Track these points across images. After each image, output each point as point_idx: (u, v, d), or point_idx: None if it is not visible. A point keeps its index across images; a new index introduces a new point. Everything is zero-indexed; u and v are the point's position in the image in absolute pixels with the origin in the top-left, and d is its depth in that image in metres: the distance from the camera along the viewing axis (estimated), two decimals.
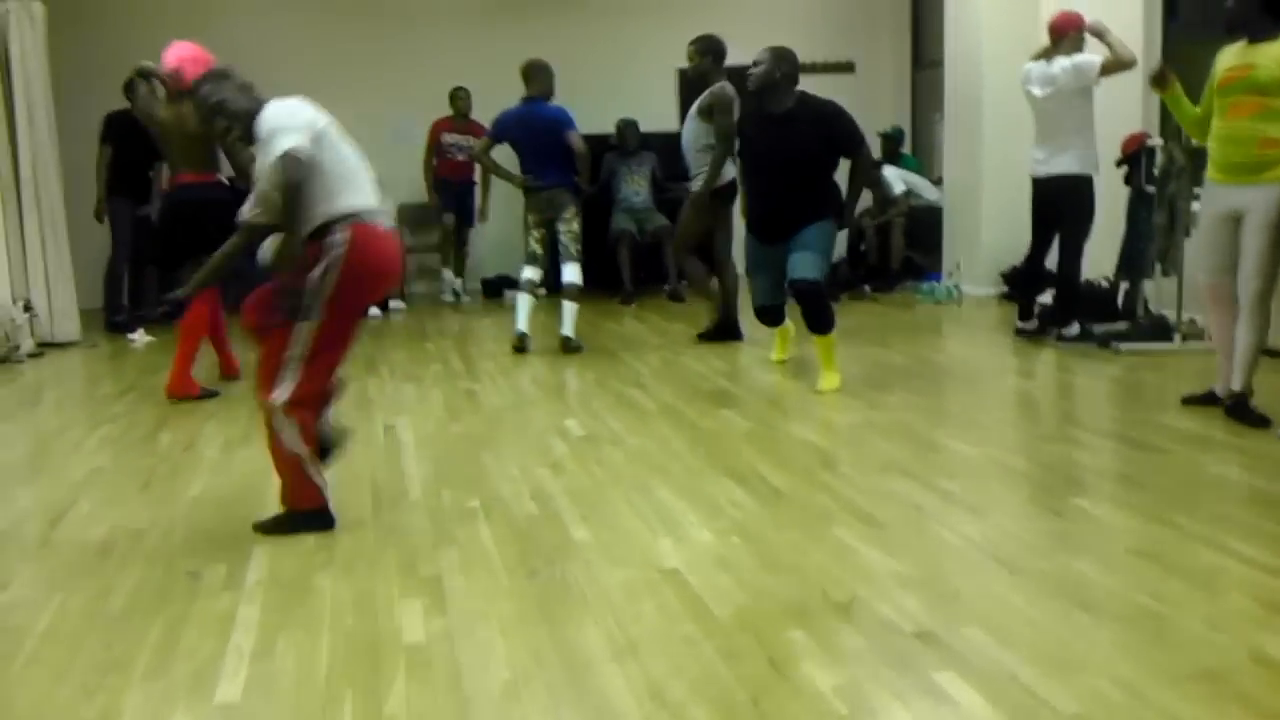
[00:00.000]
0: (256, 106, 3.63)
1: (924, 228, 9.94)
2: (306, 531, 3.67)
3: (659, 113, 10.28)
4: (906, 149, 10.94)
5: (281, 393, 3.58)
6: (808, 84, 6.01)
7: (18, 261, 7.86)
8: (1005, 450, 4.55)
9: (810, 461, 4.41)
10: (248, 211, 3.56)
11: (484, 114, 9.41)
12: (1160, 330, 6.65)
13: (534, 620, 2.93)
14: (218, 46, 5.57)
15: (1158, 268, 6.71)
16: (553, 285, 7.73)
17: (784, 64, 5.75)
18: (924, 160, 10.95)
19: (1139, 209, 6.90)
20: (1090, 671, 2.53)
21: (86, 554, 3.59)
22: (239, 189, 4.68)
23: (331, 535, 3.68)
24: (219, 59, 5.06)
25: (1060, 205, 6.73)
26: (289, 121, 3.54)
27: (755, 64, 5.79)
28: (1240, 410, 4.77)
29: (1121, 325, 6.89)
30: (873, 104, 10.66)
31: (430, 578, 3.27)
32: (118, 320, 8.60)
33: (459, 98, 9.86)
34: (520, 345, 7.18)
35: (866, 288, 9.70)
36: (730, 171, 7.08)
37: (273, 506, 3.81)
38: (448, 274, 9.99)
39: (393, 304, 9.73)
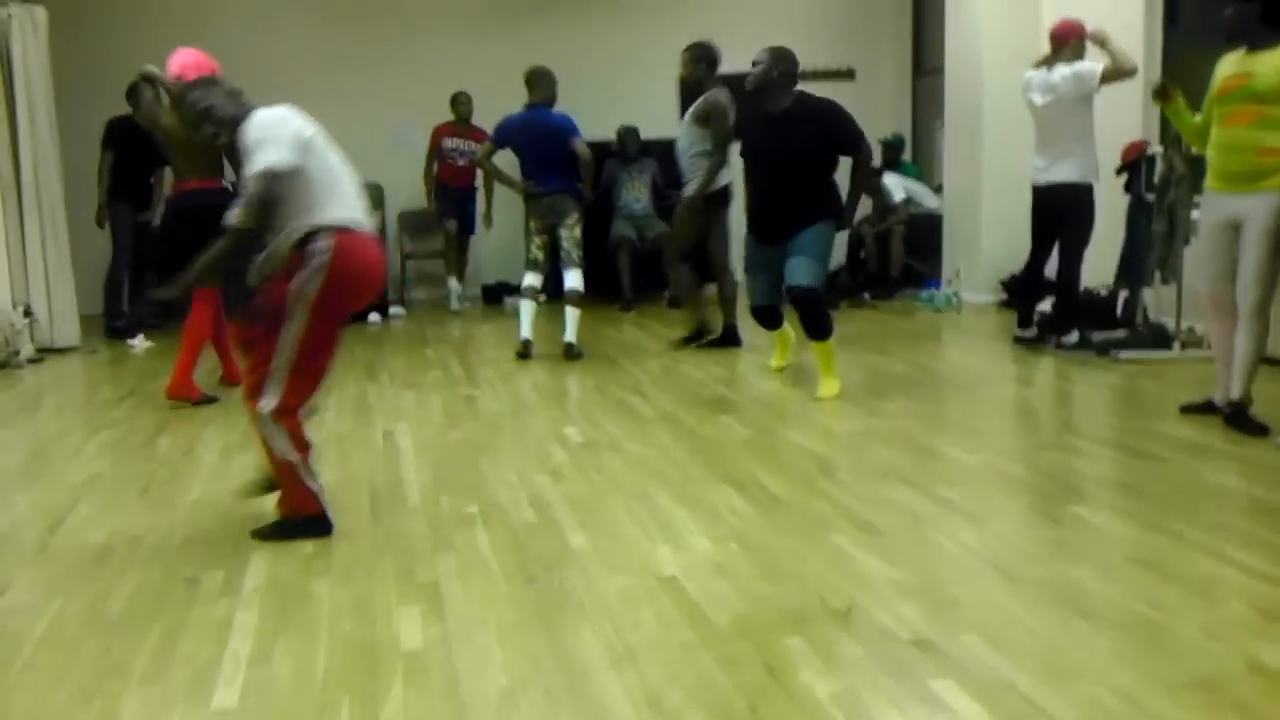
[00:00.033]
0: (244, 113, 3.65)
1: (924, 235, 9.95)
2: (304, 538, 3.68)
3: (660, 119, 10.29)
4: (907, 156, 10.95)
5: (268, 401, 3.60)
6: (808, 90, 6.01)
7: (18, 266, 7.87)
8: (1004, 458, 4.55)
9: (809, 469, 4.41)
10: (233, 216, 3.58)
11: (484, 120, 9.44)
12: (1159, 338, 6.66)
13: (532, 627, 2.93)
14: (219, 52, 5.57)
15: (1157, 276, 6.72)
16: (553, 291, 7.74)
17: (782, 63, 5.77)
18: (924, 167, 10.96)
19: (1139, 217, 6.90)
20: (1088, 680, 2.52)
21: (85, 559, 3.60)
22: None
23: (329, 541, 3.68)
24: (221, 65, 5.07)
25: (1060, 213, 6.74)
26: (273, 133, 3.55)
27: (755, 64, 5.81)
28: (1239, 419, 4.77)
29: (1121, 333, 6.89)
30: (873, 111, 10.66)
31: (428, 584, 3.27)
32: (118, 326, 8.60)
33: (460, 103, 9.87)
34: (525, 352, 7.19)
35: (866, 295, 9.71)
36: (724, 178, 7.13)
37: (270, 513, 3.81)
38: (454, 283, 9.98)
39: (392, 310, 9.74)
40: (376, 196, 10.48)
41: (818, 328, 5.75)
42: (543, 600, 3.12)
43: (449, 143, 9.86)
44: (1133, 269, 6.99)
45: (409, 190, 10.14)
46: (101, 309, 8.79)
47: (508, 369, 6.90)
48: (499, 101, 8.25)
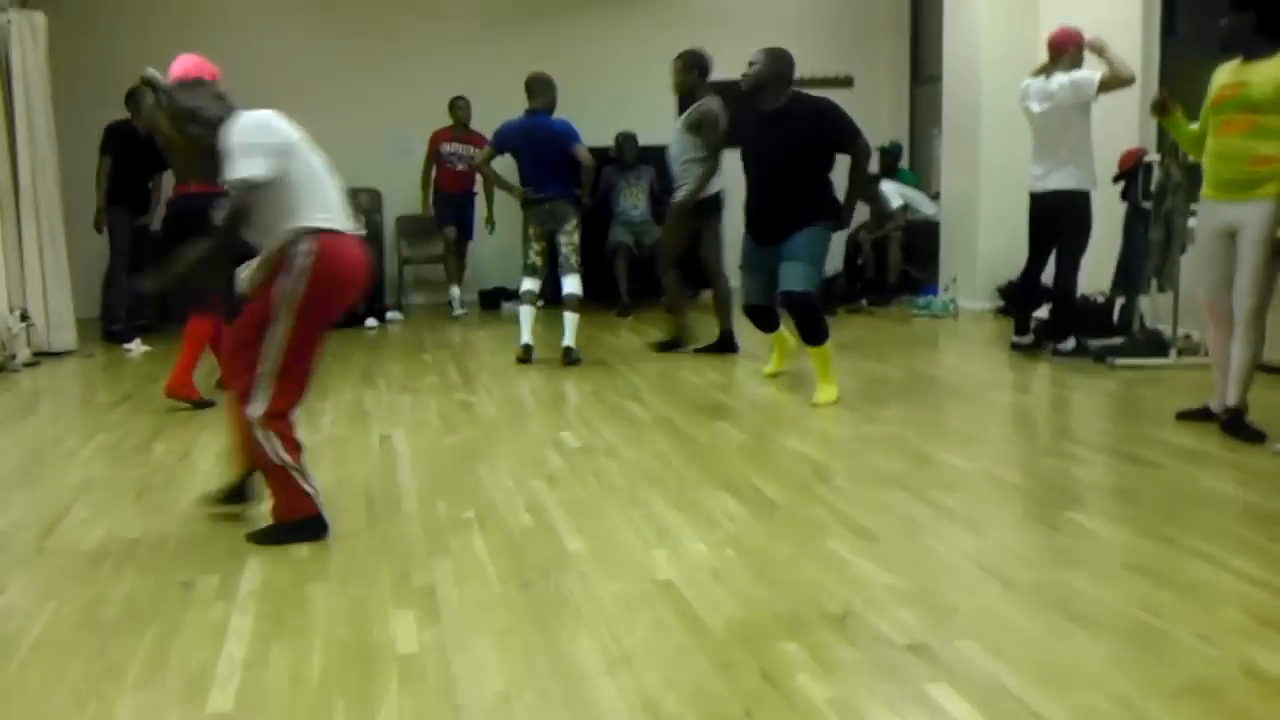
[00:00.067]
0: (228, 114, 3.65)
1: (921, 242, 9.96)
2: (299, 540, 3.67)
3: (658, 126, 10.27)
4: (904, 163, 10.97)
5: (257, 407, 3.60)
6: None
7: (15, 270, 7.86)
8: (1000, 464, 4.55)
9: (805, 474, 4.41)
10: (218, 218, 3.58)
11: (483, 126, 9.46)
12: (1156, 345, 6.66)
13: (527, 631, 2.93)
14: (218, 58, 5.56)
15: (1154, 283, 6.72)
16: (551, 297, 7.74)
17: (777, 63, 5.79)
18: (922, 175, 10.98)
19: (1136, 224, 6.91)
20: (1083, 685, 2.52)
21: (80, 562, 3.59)
22: None
23: (325, 545, 3.68)
24: (221, 71, 5.07)
25: (1057, 220, 6.75)
26: (254, 138, 3.54)
27: (751, 64, 5.84)
28: (1236, 425, 4.78)
29: (1117, 340, 6.90)
30: (871, 118, 10.62)
31: (424, 588, 3.26)
32: (114, 330, 8.60)
33: (458, 107, 9.88)
34: (526, 357, 7.20)
35: (863, 301, 9.72)
36: (716, 185, 7.17)
37: (266, 517, 3.81)
38: (455, 290, 9.97)
39: (389, 315, 9.74)
40: (375, 201, 10.50)
41: (813, 332, 5.75)
42: (539, 605, 3.12)
43: (447, 147, 9.87)
44: (1129, 276, 7.00)
45: (407, 195, 10.15)
46: (98, 313, 8.79)
47: (505, 374, 6.90)
48: (497, 108, 8.26)
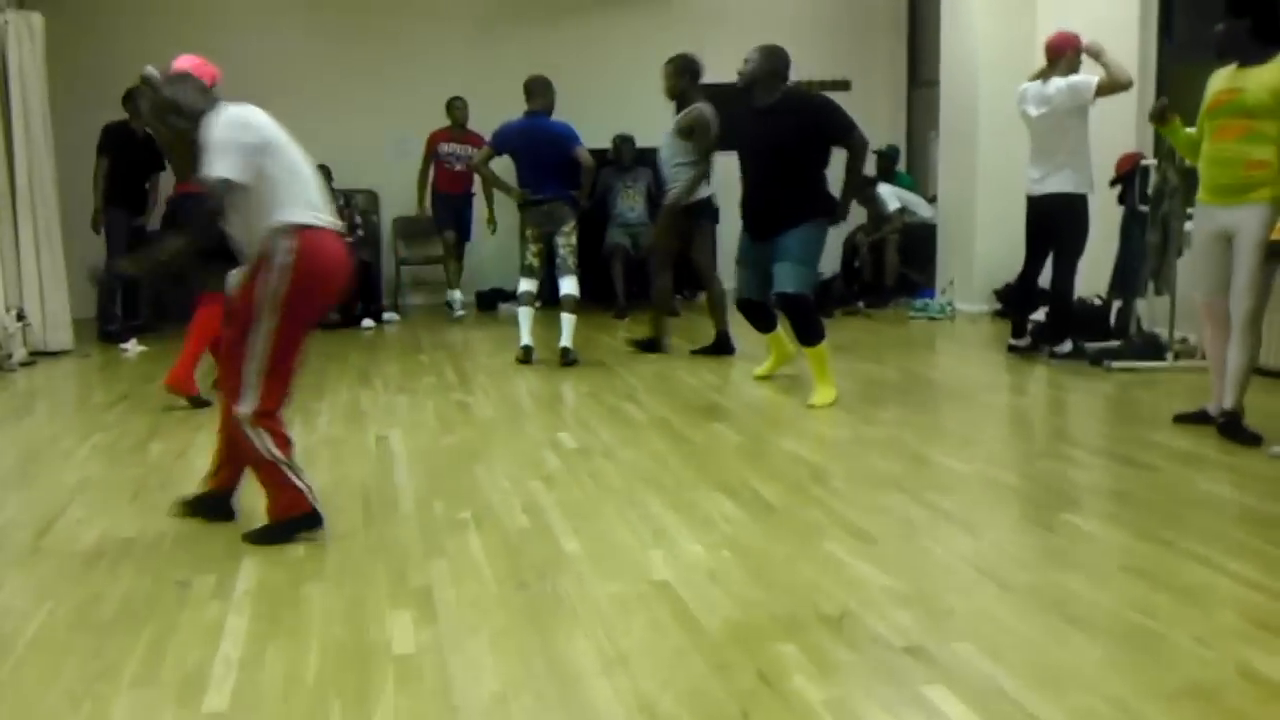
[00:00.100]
0: (212, 107, 3.65)
1: (918, 244, 9.97)
2: (296, 536, 3.68)
3: (655, 129, 10.24)
4: (901, 167, 10.98)
5: (246, 406, 3.61)
6: None
7: (11, 270, 7.86)
8: (997, 466, 4.56)
9: (802, 476, 4.41)
10: (196, 214, 3.60)
11: (479, 128, 9.46)
12: (1153, 348, 6.67)
13: (524, 632, 2.93)
14: (216, 60, 5.48)
15: (1150, 286, 6.73)
16: (548, 298, 7.75)
17: (771, 60, 5.81)
18: (919, 178, 10.99)
19: (1132, 228, 6.92)
20: (1080, 687, 2.52)
21: (76, 562, 3.58)
22: None
23: (321, 545, 3.67)
24: (221, 73, 5.06)
25: (1054, 223, 6.76)
26: (231, 136, 3.54)
27: (746, 61, 5.86)
28: (1232, 428, 4.78)
29: (1114, 343, 6.91)
30: (869, 122, 10.57)
31: (420, 589, 3.26)
32: (111, 330, 8.59)
33: (456, 108, 9.88)
34: (526, 358, 7.21)
35: (860, 304, 9.73)
36: (706, 189, 7.20)
37: (262, 516, 3.81)
38: (456, 293, 9.95)
39: (387, 315, 9.73)
40: (372, 202, 10.50)
41: (808, 333, 5.75)
42: (535, 605, 3.11)
43: (445, 147, 9.86)
44: (1126, 279, 7.01)
45: (404, 196, 10.13)
46: (95, 313, 8.78)
47: (502, 375, 6.90)
48: (495, 109, 8.26)
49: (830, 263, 10.05)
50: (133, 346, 8.12)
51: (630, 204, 9.92)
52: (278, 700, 2.58)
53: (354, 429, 5.47)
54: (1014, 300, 7.46)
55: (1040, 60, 6.93)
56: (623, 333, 8.19)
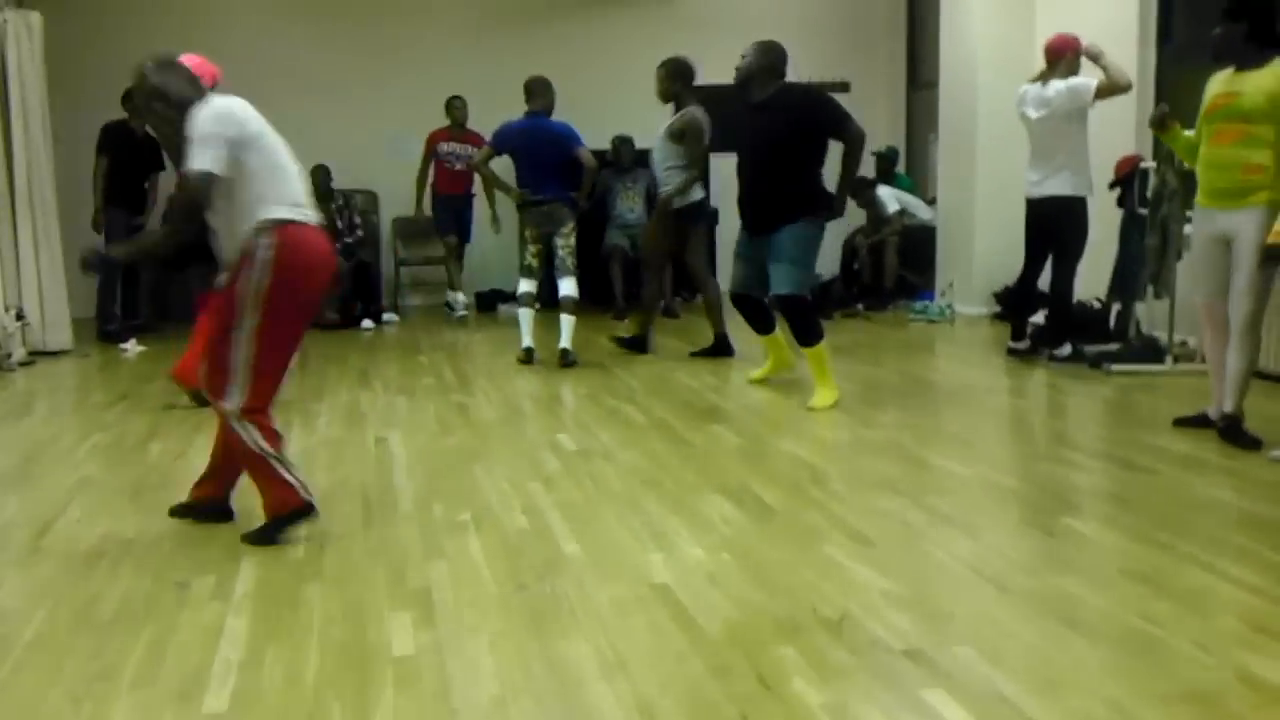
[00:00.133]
0: (199, 96, 3.66)
1: (917, 247, 9.97)
2: (290, 532, 3.69)
3: (654, 130, 10.27)
4: (901, 169, 10.98)
5: (232, 402, 3.62)
6: None
7: (10, 269, 7.85)
8: (996, 469, 4.56)
9: (801, 478, 4.41)
10: (178, 204, 3.61)
11: (477, 129, 9.46)
12: (1152, 352, 6.67)
13: (523, 634, 2.93)
14: (214, 59, 5.55)
15: (1150, 289, 6.74)
16: (547, 299, 7.75)
17: (766, 56, 5.83)
18: (918, 180, 10.99)
19: (1131, 231, 6.93)
20: (1079, 691, 2.53)
21: (75, 562, 3.58)
22: None
23: (320, 546, 3.67)
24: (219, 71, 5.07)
25: (1053, 226, 6.76)
26: (214, 129, 3.54)
27: (743, 57, 5.89)
28: (1232, 432, 4.78)
29: (1113, 346, 6.91)
30: (868, 124, 10.52)
31: (420, 590, 3.26)
32: (110, 329, 8.59)
33: (455, 107, 9.87)
34: (527, 359, 7.22)
35: (860, 306, 9.73)
36: (698, 193, 7.22)
37: (260, 514, 3.81)
38: (460, 296, 9.94)
39: (386, 316, 9.73)
40: (371, 203, 10.50)
41: (806, 333, 5.75)
42: (535, 608, 3.11)
43: (445, 147, 9.85)
44: (1125, 282, 7.01)
45: (404, 197, 10.13)
46: (94, 313, 8.78)
47: (501, 376, 6.90)
48: (493, 110, 8.27)
49: (829, 265, 10.08)
50: (132, 346, 8.12)
51: (629, 205, 9.92)
52: (277, 702, 2.58)
53: (353, 430, 5.47)
54: (1013, 303, 7.47)
55: (1039, 62, 6.94)
56: (622, 333, 8.15)
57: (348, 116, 10.38)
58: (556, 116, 7.33)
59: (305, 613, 3.11)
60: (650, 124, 10.31)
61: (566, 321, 7.16)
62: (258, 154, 3.60)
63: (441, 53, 10.60)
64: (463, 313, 9.79)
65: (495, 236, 9.24)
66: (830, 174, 5.80)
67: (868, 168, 10.36)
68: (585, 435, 5.23)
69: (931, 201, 10.23)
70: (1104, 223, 7.02)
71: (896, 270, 10.02)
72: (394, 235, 10.65)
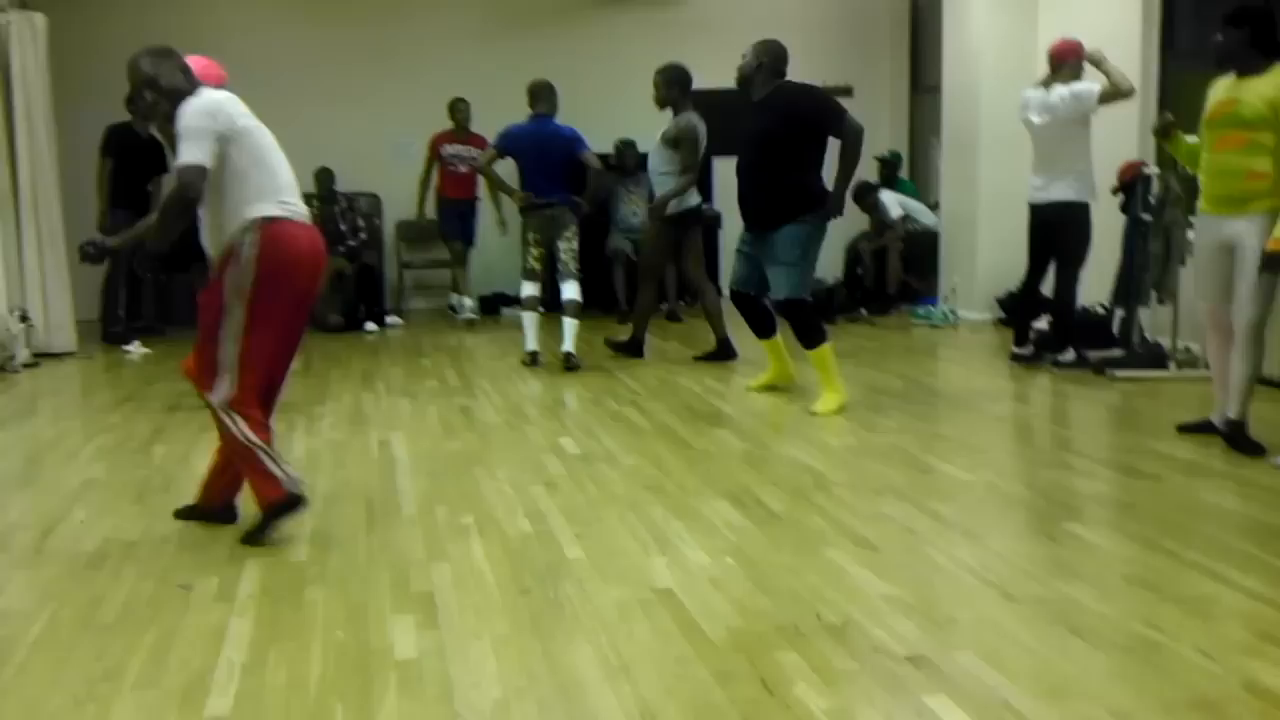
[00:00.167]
0: (190, 89, 3.67)
1: (921, 252, 9.97)
2: (281, 522, 3.70)
3: (658, 134, 10.30)
4: (904, 174, 10.98)
5: (219, 394, 3.65)
6: None
7: (14, 271, 7.86)
8: (1000, 475, 4.55)
9: (805, 483, 4.41)
10: (167, 197, 3.63)
11: (480, 131, 9.46)
12: (1155, 358, 6.67)
13: (526, 638, 2.93)
14: (220, 61, 5.56)
15: (1153, 295, 6.73)
16: (550, 303, 7.76)
17: (764, 55, 5.86)
18: (921, 185, 10.99)
19: (1135, 236, 6.92)
20: (1083, 698, 2.52)
21: (79, 564, 3.58)
22: None
23: (324, 549, 3.67)
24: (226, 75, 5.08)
25: (1057, 232, 6.76)
26: (203, 122, 3.56)
27: (743, 56, 5.92)
28: (1236, 438, 4.78)
29: (1117, 352, 6.90)
30: (871, 128, 10.53)
31: (422, 593, 3.26)
32: (114, 331, 8.60)
33: (458, 109, 9.86)
34: (533, 361, 7.23)
35: (863, 311, 9.73)
36: (693, 199, 7.23)
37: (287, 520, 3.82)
38: (468, 301, 9.93)
39: (389, 320, 9.74)
40: (374, 206, 10.50)
41: (808, 336, 5.75)
42: (537, 611, 3.11)
43: (449, 149, 9.84)
44: (1129, 288, 7.00)
45: (407, 200, 10.13)
46: (98, 315, 8.79)
47: (504, 379, 6.90)
48: (496, 113, 8.27)
49: (833, 270, 10.08)
50: (136, 348, 8.13)
51: (632, 209, 9.92)
52: (280, 704, 2.58)
53: (356, 433, 5.47)
54: (1016, 308, 7.46)
55: (1042, 67, 6.94)
56: (625, 337, 8.15)
57: (351, 119, 10.38)
58: (561, 120, 7.34)
59: (308, 615, 3.11)
60: (654, 128, 10.29)
61: (569, 325, 7.16)
62: (245, 149, 3.63)
63: (445, 56, 10.61)
64: (472, 317, 9.78)
65: (498, 241, 9.25)
66: (831, 174, 5.80)
67: (871, 172, 10.39)
68: (588, 439, 5.23)
69: (934, 206, 10.23)
70: (1107, 228, 7.02)
71: (899, 275, 10.02)
72: (397, 238, 10.65)
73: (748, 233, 5.96)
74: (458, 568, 3.48)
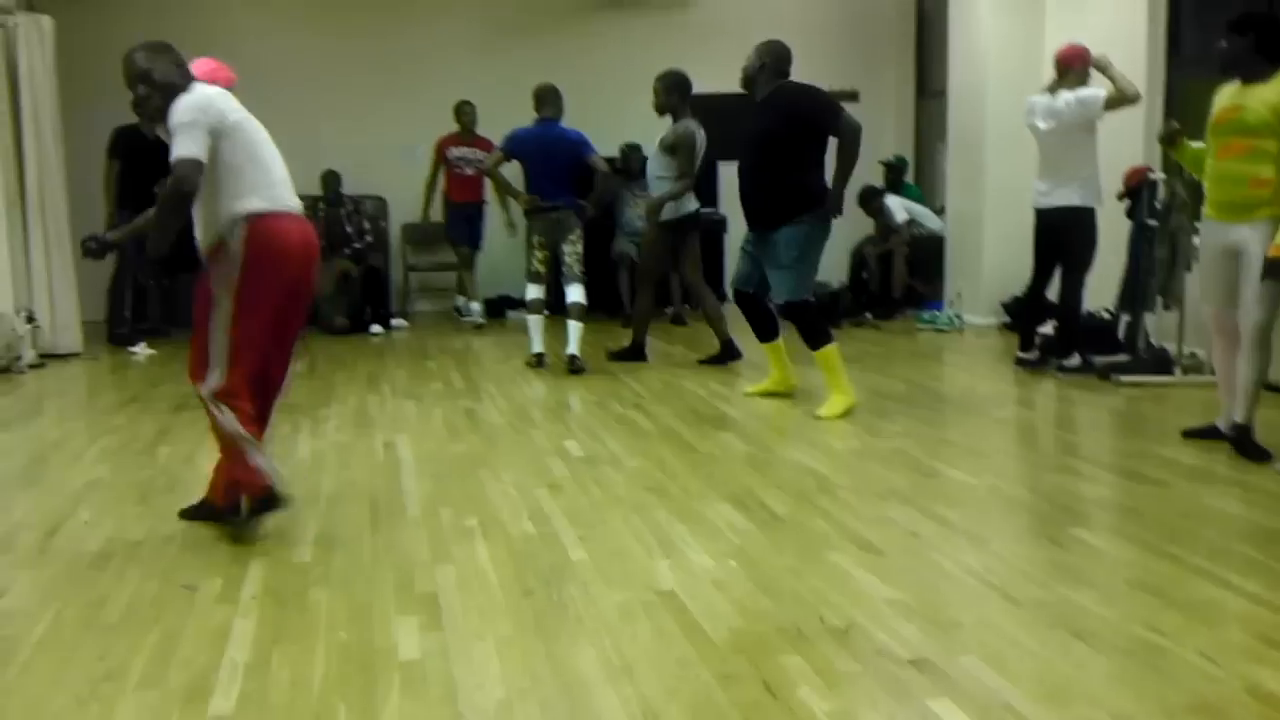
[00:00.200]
0: (184, 84, 3.68)
1: (926, 256, 9.97)
2: (258, 517, 3.75)
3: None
4: (909, 178, 10.98)
5: (209, 384, 3.68)
6: None
7: (21, 272, 7.88)
8: (1004, 479, 4.55)
9: (809, 487, 4.41)
10: (163, 191, 3.67)
11: (485, 134, 9.47)
12: (1161, 363, 6.66)
13: (530, 639, 2.93)
14: (226, 63, 5.58)
15: (1159, 301, 6.73)
16: (554, 306, 7.77)
17: (766, 56, 5.87)
18: (927, 189, 10.99)
19: (1140, 242, 6.92)
20: (1086, 702, 2.52)
21: (83, 564, 3.59)
22: None
23: (328, 550, 3.68)
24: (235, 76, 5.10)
25: (1062, 237, 6.76)
26: (193, 117, 3.59)
27: (747, 58, 5.93)
28: (1242, 443, 4.77)
29: (1122, 357, 6.90)
30: (876, 132, 10.68)
31: (426, 595, 3.26)
32: (120, 333, 8.61)
33: (464, 112, 9.86)
34: (538, 363, 7.26)
35: (868, 315, 9.72)
36: (690, 205, 7.24)
37: (268, 517, 3.82)
38: (475, 305, 9.93)
39: (395, 322, 9.75)
40: (380, 209, 10.52)
41: (812, 337, 5.76)
42: (541, 613, 3.12)
43: (455, 151, 9.85)
44: (1134, 294, 7.00)
45: (414, 203, 10.14)
46: (104, 316, 8.80)
47: (509, 382, 6.90)
48: (502, 116, 8.28)
49: (838, 274, 10.08)
50: (142, 350, 8.15)
51: (638, 212, 9.88)
52: (283, 704, 2.58)
53: (361, 435, 5.48)
54: (1022, 313, 7.46)
55: (1048, 72, 6.94)
56: (629, 341, 8.17)
57: (358, 122, 10.40)
58: (565, 124, 7.36)
59: (312, 615, 3.11)
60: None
61: (574, 328, 7.17)
62: (237, 145, 3.66)
63: (451, 59, 10.62)
64: (480, 321, 9.77)
65: (504, 244, 9.26)
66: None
67: (876, 177, 10.39)
68: (593, 442, 5.23)
69: (940, 211, 10.23)
70: (1113, 234, 7.01)
71: (905, 280, 10.02)
72: (403, 241, 10.66)
73: (750, 232, 5.98)
74: (462, 569, 3.49)
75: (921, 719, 2.47)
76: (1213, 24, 6.80)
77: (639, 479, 4.54)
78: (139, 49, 3.77)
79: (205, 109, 3.61)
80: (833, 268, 9.44)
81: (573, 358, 7.11)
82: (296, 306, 3.84)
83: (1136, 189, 6.99)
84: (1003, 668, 2.70)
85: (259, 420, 3.78)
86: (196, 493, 4.37)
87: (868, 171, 10.08)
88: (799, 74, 5.98)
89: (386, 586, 3.34)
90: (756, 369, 6.94)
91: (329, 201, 9.68)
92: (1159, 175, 6.82)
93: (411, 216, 10.37)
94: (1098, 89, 6.59)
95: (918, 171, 11.32)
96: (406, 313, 10.33)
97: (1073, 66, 6.71)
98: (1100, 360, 6.80)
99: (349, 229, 9.67)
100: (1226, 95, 4.83)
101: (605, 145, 9.56)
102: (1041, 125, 6.77)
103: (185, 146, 3.55)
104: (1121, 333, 7.24)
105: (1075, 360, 6.85)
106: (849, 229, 9.14)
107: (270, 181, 3.72)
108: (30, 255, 7.94)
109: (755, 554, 3.60)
